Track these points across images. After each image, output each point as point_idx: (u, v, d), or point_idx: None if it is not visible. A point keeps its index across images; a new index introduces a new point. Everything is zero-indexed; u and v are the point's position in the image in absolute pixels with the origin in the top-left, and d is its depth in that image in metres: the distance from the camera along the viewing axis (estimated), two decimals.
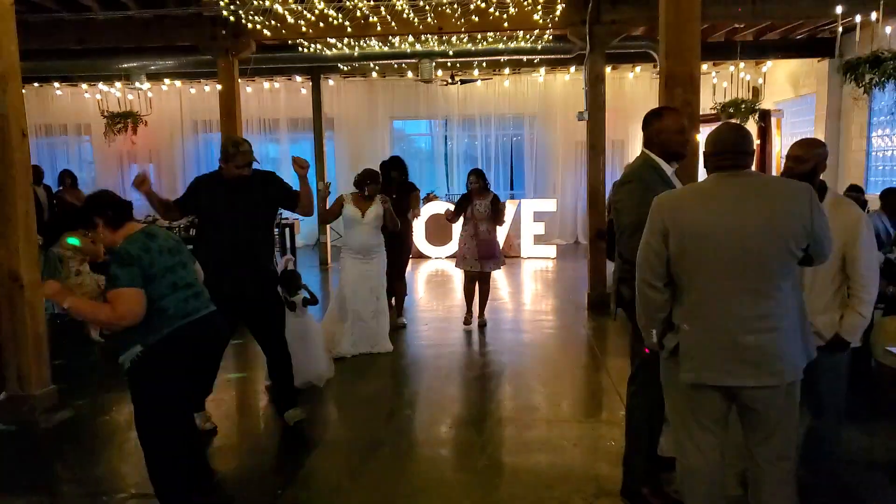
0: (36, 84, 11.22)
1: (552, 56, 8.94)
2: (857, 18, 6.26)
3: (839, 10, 6.07)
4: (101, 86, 10.50)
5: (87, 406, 4.37)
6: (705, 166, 2.36)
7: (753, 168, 2.50)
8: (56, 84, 11.41)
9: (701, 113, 10.43)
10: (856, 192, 6.60)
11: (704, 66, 10.05)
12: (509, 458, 3.52)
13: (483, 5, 6.40)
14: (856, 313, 2.62)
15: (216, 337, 2.87)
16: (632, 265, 2.70)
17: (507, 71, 10.89)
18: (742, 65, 9.52)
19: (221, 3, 5.97)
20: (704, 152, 2.34)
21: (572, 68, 10.53)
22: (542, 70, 10.91)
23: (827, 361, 2.68)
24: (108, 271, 2.56)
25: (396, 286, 6.24)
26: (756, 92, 10.10)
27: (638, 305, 2.41)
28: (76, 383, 4.74)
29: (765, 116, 9.64)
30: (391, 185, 6.11)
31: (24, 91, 4.20)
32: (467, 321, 6.25)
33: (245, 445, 3.85)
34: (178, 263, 2.71)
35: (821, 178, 2.80)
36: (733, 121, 9.00)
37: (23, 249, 4.03)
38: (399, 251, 6.02)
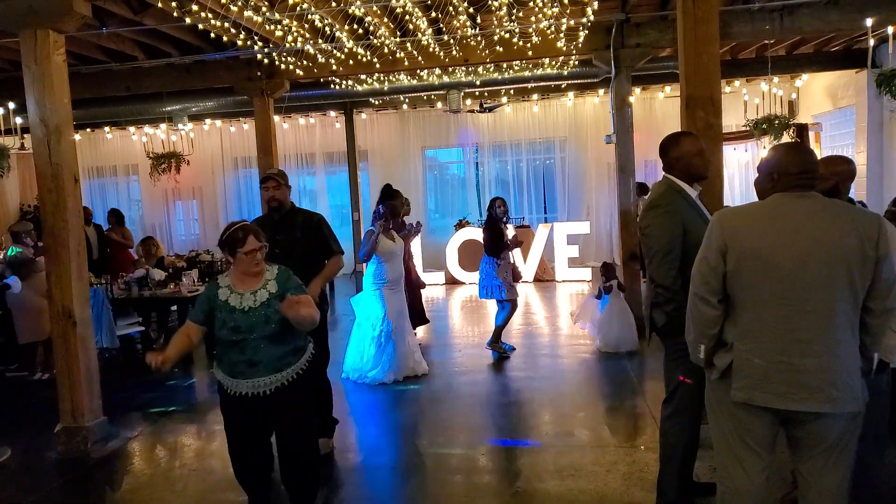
0: (88, 129, 11.93)
1: (580, 80, 9.01)
2: (889, 30, 6.14)
3: (868, 22, 5.98)
4: (146, 128, 11.07)
5: (134, 435, 4.56)
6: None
7: None
8: (106, 129, 12.10)
9: (734, 130, 10.20)
10: None
11: (737, 83, 9.93)
12: (542, 486, 3.50)
13: (507, 36, 6.53)
14: (892, 332, 2.53)
15: None
16: (664, 289, 2.71)
17: (535, 96, 11.00)
18: (776, 80, 9.35)
19: (256, 47, 6.27)
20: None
21: (601, 91, 10.57)
22: (571, 94, 10.97)
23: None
24: (294, 280, 3.04)
25: None
26: (791, 106, 9.89)
27: (689, 319, 2.36)
28: (124, 414, 4.94)
29: (802, 131, 9.42)
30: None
31: (78, 136, 4.50)
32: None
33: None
34: None
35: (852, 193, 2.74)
36: (788, 139, 8.80)
37: (75, 288, 4.27)
38: None
